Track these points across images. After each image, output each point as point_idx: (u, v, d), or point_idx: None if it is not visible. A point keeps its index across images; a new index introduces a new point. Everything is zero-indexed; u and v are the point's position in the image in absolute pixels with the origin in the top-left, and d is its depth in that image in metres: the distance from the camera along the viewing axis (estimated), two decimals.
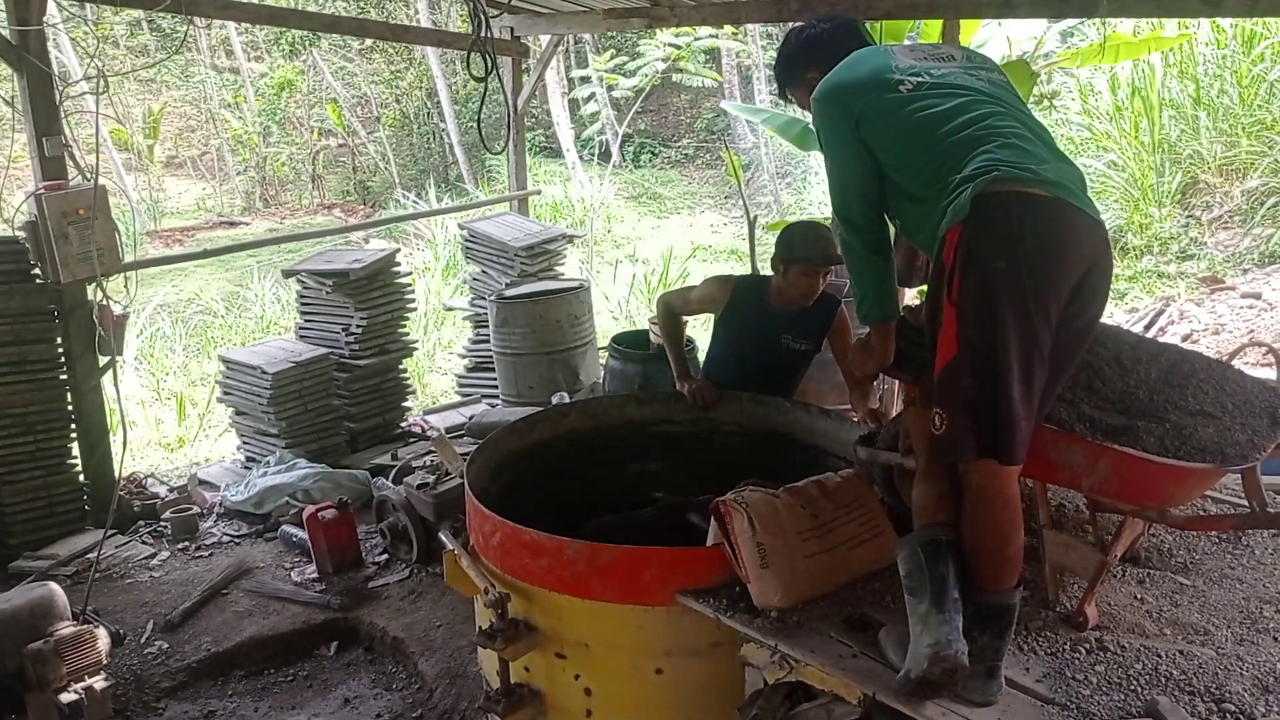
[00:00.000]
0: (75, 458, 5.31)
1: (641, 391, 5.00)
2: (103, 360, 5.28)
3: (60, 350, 5.20)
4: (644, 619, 2.91)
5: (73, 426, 5.27)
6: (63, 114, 5.14)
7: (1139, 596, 2.78)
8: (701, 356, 4.63)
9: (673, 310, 4.38)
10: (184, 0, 5.12)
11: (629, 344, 5.62)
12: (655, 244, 14.51)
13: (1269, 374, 3.21)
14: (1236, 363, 2.90)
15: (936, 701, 2.29)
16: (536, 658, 3.12)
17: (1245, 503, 2.62)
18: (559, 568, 2.97)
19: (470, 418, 6.31)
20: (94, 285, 5.08)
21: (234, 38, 20.18)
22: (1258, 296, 8.13)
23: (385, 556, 5.05)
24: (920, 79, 2.57)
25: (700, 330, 9.33)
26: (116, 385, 5.13)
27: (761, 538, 2.73)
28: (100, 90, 4.86)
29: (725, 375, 4.28)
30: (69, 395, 5.24)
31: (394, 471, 5.49)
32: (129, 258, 5.54)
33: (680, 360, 4.28)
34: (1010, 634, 2.38)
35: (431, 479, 4.79)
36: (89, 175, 5.03)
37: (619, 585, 2.91)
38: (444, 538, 3.43)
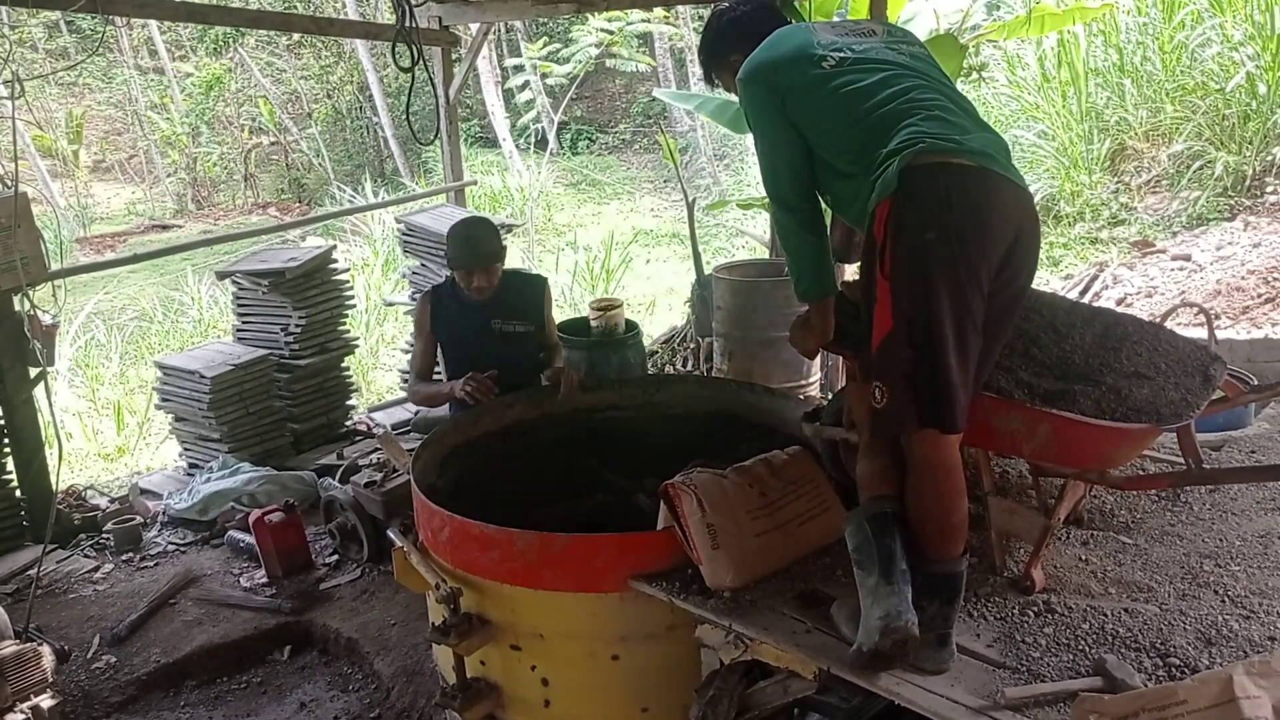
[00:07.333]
0: (10, 473, 5.16)
1: (585, 378, 4.97)
2: (34, 372, 5.15)
3: None
4: (598, 606, 2.91)
5: (5, 441, 5.13)
6: None
7: (1083, 558, 2.82)
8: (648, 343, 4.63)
9: (422, 376, 4.44)
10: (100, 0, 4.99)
11: (571, 331, 5.60)
12: (596, 230, 14.47)
13: (1200, 334, 3.28)
14: (1169, 323, 2.96)
15: (890, 672, 2.32)
16: (492, 651, 3.11)
17: (1182, 460, 2.68)
18: (510, 560, 2.96)
19: (416, 413, 6.25)
20: (20, 295, 4.95)
21: (156, 37, 19.73)
22: (1187, 258, 8.30)
23: (335, 557, 4.99)
24: (842, 54, 2.58)
25: (643, 314, 9.33)
26: (49, 397, 5.00)
27: (711, 518, 2.74)
28: (17, 95, 4.72)
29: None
30: (0, 409, 5.11)
31: (340, 471, 5.42)
32: (56, 265, 5.39)
33: (443, 390, 4.29)
34: (959, 601, 2.42)
35: (379, 477, 4.73)
36: (9, 183, 4.89)
37: (571, 574, 2.91)
38: (392, 535, 3.40)
